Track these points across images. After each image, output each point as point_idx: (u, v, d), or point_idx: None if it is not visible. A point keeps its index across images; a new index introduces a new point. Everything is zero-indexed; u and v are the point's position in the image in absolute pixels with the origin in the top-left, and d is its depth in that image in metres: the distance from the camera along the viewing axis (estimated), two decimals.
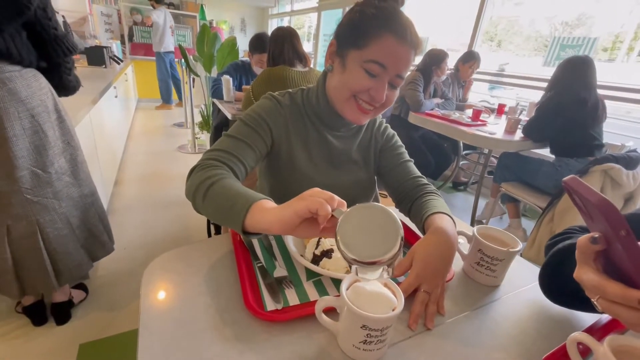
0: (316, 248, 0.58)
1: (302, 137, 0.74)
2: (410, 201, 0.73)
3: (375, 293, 0.43)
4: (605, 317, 0.48)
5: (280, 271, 0.56)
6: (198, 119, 3.49)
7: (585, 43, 2.35)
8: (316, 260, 0.57)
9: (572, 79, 1.76)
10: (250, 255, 0.60)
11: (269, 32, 2.13)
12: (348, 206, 0.71)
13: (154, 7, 4.36)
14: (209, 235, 1.61)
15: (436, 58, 2.44)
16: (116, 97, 2.77)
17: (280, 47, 1.55)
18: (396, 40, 0.59)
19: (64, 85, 1.15)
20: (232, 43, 2.89)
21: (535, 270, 0.67)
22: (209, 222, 1.65)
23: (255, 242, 0.64)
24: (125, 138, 3.37)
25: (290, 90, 0.77)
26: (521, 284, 0.62)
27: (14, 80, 0.93)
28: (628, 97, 2.15)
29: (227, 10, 7.30)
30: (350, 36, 0.63)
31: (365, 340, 0.41)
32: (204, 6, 6.05)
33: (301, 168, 0.74)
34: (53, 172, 1.07)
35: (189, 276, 0.55)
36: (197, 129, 3.40)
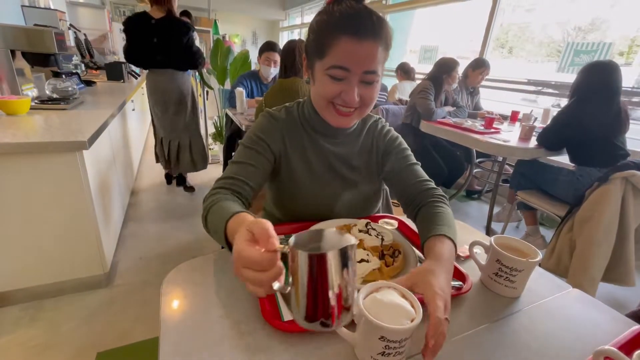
0: None
1: (300, 148, 0.75)
2: (416, 208, 0.71)
3: (393, 304, 0.42)
4: (632, 331, 0.47)
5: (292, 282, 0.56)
6: (211, 130, 3.56)
7: (601, 48, 2.30)
8: None
9: (596, 85, 1.68)
10: None
11: (280, 44, 2.22)
12: (352, 215, 0.71)
13: None
14: (222, 246, 1.63)
15: (447, 67, 2.44)
16: (133, 110, 2.86)
17: (292, 58, 1.59)
18: (352, 39, 0.58)
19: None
20: (244, 56, 2.97)
21: (556, 280, 0.65)
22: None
23: None
24: (142, 149, 3.46)
25: (287, 104, 0.79)
26: (542, 295, 0.60)
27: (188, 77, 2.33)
28: None
29: (239, 24, 7.51)
30: (313, 47, 0.64)
31: (384, 352, 0.41)
32: (217, 21, 6.25)
33: (300, 178, 0.75)
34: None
35: (206, 286, 0.56)
36: (210, 140, 3.47)
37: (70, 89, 1.85)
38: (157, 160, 2.61)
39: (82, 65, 2.69)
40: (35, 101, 1.71)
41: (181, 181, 2.69)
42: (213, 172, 3.17)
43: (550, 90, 2.67)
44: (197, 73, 3.71)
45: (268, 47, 2.22)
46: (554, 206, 1.78)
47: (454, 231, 0.60)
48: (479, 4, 3.27)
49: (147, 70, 2.26)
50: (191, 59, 2.19)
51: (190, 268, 0.61)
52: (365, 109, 0.67)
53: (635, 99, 2.18)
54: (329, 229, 0.37)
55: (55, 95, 1.80)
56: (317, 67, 0.64)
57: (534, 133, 2.03)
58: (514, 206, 2.04)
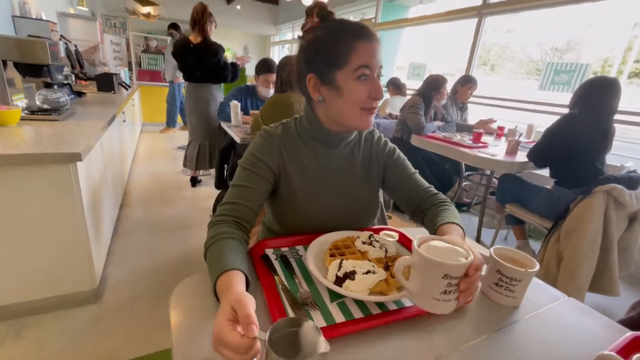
0: (338, 270, 0.59)
1: (298, 163, 0.77)
2: (424, 211, 0.79)
3: (447, 248, 0.50)
4: (627, 337, 0.49)
5: (303, 293, 0.57)
6: None
7: (579, 68, 2.44)
8: (339, 281, 0.58)
9: (595, 100, 1.67)
10: (273, 277, 0.61)
11: (270, 57, 2.26)
12: (352, 226, 0.73)
13: (173, 37, 4.53)
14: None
15: (435, 83, 2.53)
16: (124, 121, 2.84)
17: (287, 74, 1.62)
18: (365, 41, 0.66)
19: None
20: (240, 71, 3.00)
21: (551, 290, 0.68)
22: None
23: (277, 264, 0.66)
24: (131, 161, 3.41)
25: (284, 120, 0.81)
26: (539, 305, 0.63)
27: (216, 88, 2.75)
28: (623, 119, 2.22)
29: (231, 38, 7.60)
30: (327, 63, 0.67)
31: (445, 290, 0.48)
32: None
33: (300, 192, 0.76)
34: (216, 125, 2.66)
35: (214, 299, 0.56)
36: None
37: (61, 99, 1.83)
38: (185, 165, 2.95)
39: (73, 76, 2.66)
40: (26, 112, 1.68)
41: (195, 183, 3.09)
42: (203, 185, 3.15)
43: (535, 107, 2.80)
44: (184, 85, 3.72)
45: (266, 69, 2.23)
46: (541, 218, 1.84)
47: (461, 222, 0.68)
48: (464, 24, 3.43)
49: (188, 83, 2.75)
50: (221, 74, 2.69)
51: (199, 280, 0.60)
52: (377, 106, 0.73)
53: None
54: (308, 322, 0.38)
55: (45, 106, 1.77)
56: (340, 78, 0.67)
57: (520, 148, 2.12)
58: (503, 217, 2.10)
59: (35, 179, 1.21)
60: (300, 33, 0.74)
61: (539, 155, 1.85)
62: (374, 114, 0.72)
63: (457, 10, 3.45)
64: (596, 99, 1.67)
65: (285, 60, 1.67)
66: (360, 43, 0.65)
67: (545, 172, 1.88)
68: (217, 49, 2.57)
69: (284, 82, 1.63)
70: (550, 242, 1.66)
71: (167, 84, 4.84)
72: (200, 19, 2.45)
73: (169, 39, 5.00)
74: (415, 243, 0.51)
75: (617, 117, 1.73)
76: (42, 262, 1.32)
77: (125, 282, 1.66)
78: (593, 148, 1.69)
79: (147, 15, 5.22)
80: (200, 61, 2.56)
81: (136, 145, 4.10)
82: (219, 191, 2.31)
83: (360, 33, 0.66)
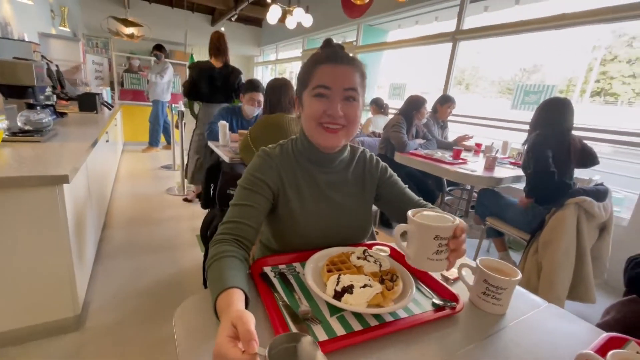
0: (337, 285, 0.62)
1: (295, 182, 0.80)
2: None
3: (437, 215, 0.61)
4: (603, 338, 0.54)
5: (304, 308, 0.59)
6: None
7: (546, 89, 2.64)
8: (337, 296, 0.60)
9: (550, 121, 1.80)
10: (273, 293, 0.63)
11: (254, 77, 2.34)
12: (347, 242, 0.78)
13: (158, 61, 4.55)
14: (205, 286, 1.59)
15: (416, 103, 2.66)
16: (107, 141, 2.79)
17: (277, 96, 1.67)
18: (330, 64, 0.72)
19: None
20: None
21: (533, 297, 0.73)
22: (204, 271, 1.64)
23: (276, 280, 0.67)
24: (113, 181, 3.33)
25: (282, 141, 0.85)
26: (525, 311, 0.67)
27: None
28: (588, 136, 2.40)
29: None
30: (300, 84, 0.79)
31: (437, 250, 0.57)
32: (193, 55, 6.36)
33: (297, 211, 0.79)
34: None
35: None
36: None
37: (44, 120, 1.80)
38: (192, 182, 2.99)
39: (54, 96, 2.62)
40: (7, 133, 1.64)
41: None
42: (188, 205, 3.10)
43: (509, 125, 2.98)
44: (172, 105, 3.73)
45: (252, 88, 2.29)
46: (519, 231, 1.93)
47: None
48: (440, 47, 3.64)
49: (204, 103, 2.84)
50: (236, 94, 2.85)
51: (201, 299, 0.61)
52: (350, 128, 0.76)
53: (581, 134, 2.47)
54: (306, 337, 0.40)
55: (27, 127, 1.73)
56: (304, 96, 0.76)
57: (497, 163, 2.24)
58: (484, 230, 2.18)
59: (19, 202, 1.17)
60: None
61: (538, 185, 1.82)
62: (337, 134, 0.75)
63: (433, 35, 3.67)
64: (552, 118, 1.82)
65: (274, 83, 1.72)
66: (322, 66, 0.73)
67: (522, 186, 1.98)
68: (238, 73, 2.85)
69: (273, 105, 1.68)
70: (530, 253, 1.74)
71: (150, 103, 4.82)
72: (222, 46, 2.75)
73: (152, 59, 5.03)
74: (409, 213, 0.61)
75: (584, 134, 1.86)
76: (23, 289, 1.26)
77: (109, 306, 1.60)
78: (558, 165, 1.77)
79: (131, 36, 5.24)
80: (225, 83, 2.78)
81: (118, 165, 4.02)
82: (206, 210, 2.29)
83: (325, 58, 0.73)
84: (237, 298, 0.52)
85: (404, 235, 0.63)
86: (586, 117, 2.57)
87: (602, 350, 0.50)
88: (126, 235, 2.38)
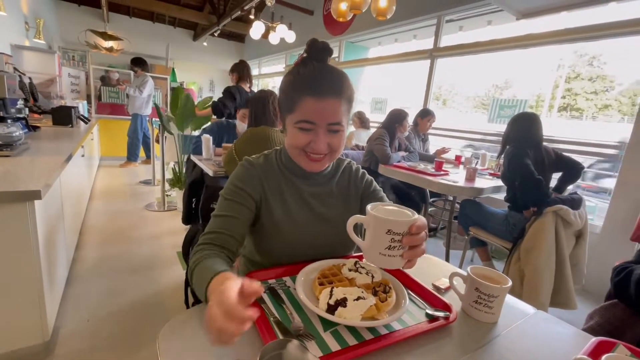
0: (330, 298, 0.60)
1: (278, 192, 0.79)
2: None
3: (395, 210, 0.58)
4: (594, 342, 0.55)
5: (296, 324, 0.57)
6: (168, 176, 3.43)
7: (519, 103, 2.78)
8: (331, 309, 0.59)
9: (520, 134, 1.91)
10: (264, 310, 0.60)
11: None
12: (332, 255, 0.78)
13: (137, 74, 4.49)
14: (187, 306, 1.52)
15: (398, 117, 2.72)
16: (82, 156, 2.68)
17: (262, 108, 1.67)
18: (314, 98, 0.67)
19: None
20: (207, 103, 3.03)
21: (521, 304, 0.74)
22: (186, 290, 1.58)
23: (265, 296, 0.65)
24: (88, 198, 3.19)
25: (266, 151, 0.84)
26: (514, 319, 0.67)
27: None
28: (558, 147, 2.52)
29: (196, 72, 7.65)
30: (284, 102, 0.73)
31: (390, 246, 0.53)
32: (174, 69, 6.31)
33: (280, 221, 0.77)
34: None
35: (207, 337, 0.54)
36: (167, 186, 3.32)
37: (15, 134, 1.70)
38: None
39: (27, 109, 2.51)
40: None
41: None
42: (168, 221, 3.00)
43: (488, 138, 3.10)
44: (153, 119, 3.65)
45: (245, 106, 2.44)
46: (501, 240, 1.97)
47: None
48: (418, 64, 3.78)
49: (230, 121, 2.78)
50: None
51: (185, 319, 0.58)
52: (334, 154, 0.75)
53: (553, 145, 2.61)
54: (293, 342, 0.41)
55: None
56: (288, 121, 0.73)
57: (477, 174, 2.30)
58: (468, 239, 2.22)
59: None
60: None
61: (528, 196, 1.83)
62: (321, 162, 0.73)
63: (412, 52, 3.82)
64: (523, 131, 1.93)
65: (259, 94, 1.72)
66: (306, 98, 0.67)
67: (502, 196, 2.04)
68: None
69: (259, 116, 1.67)
70: (512, 261, 1.78)
71: (129, 117, 4.71)
72: (248, 72, 3.05)
73: (132, 73, 4.95)
74: (369, 206, 0.58)
75: (554, 145, 1.96)
76: None
77: (82, 331, 1.49)
78: (538, 174, 1.81)
79: (110, 50, 5.14)
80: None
81: (94, 180, 3.86)
82: (187, 227, 2.22)
83: (311, 89, 0.67)
84: (231, 276, 0.49)
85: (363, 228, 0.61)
86: (555, 130, 2.72)
87: (594, 354, 0.51)
88: (101, 254, 2.26)
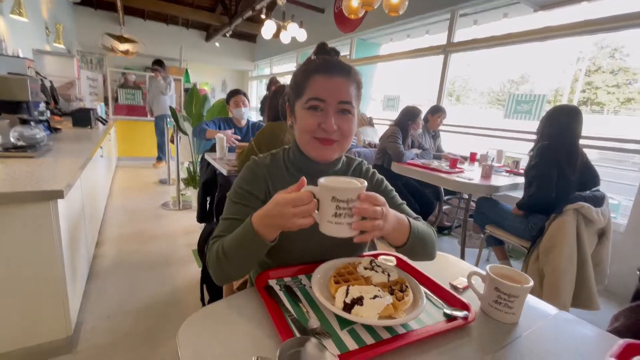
0: (346, 296, 0.60)
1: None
2: None
3: (345, 180, 0.59)
4: (622, 344, 0.53)
5: (313, 322, 0.57)
6: (183, 175, 3.49)
7: (537, 99, 2.70)
8: (347, 308, 0.58)
9: (557, 129, 1.78)
10: (281, 308, 0.61)
11: (249, 92, 2.43)
12: (343, 254, 0.78)
13: (158, 75, 4.60)
14: (203, 303, 1.54)
15: (411, 114, 2.69)
16: (101, 156, 2.76)
17: (283, 102, 1.66)
18: (324, 76, 0.69)
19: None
20: (222, 104, 3.06)
21: (543, 305, 0.72)
22: (202, 288, 1.59)
23: (282, 294, 0.65)
24: (106, 197, 3.28)
25: (274, 150, 0.84)
26: (536, 320, 0.65)
27: None
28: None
29: (209, 73, 7.76)
30: (293, 93, 0.74)
31: (336, 213, 0.54)
32: (188, 70, 6.41)
33: None
34: None
35: (225, 334, 0.55)
36: (182, 185, 3.38)
37: (38, 136, 1.77)
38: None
39: (48, 112, 2.60)
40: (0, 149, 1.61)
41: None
42: (184, 220, 3.06)
43: (503, 134, 3.03)
44: (169, 119, 3.72)
45: (234, 92, 2.45)
46: (519, 238, 1.92)
47: (418, 227, 0.70)
48: (431, 59, 3.72)
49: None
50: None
51: (204, 316, 0.59)
52: (344, 141, 0.74)
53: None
54: (311, 340, 0.42)
55: (20, 143, 1.71)
56: (297, 107, 0.73)
57: (493, 172, 2.25)
58: (484, 238, 2.17)
59: (12, 219, 1.14)
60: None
61: (537, 203, 1.79)
62: (332, 147, 0.72)
63: (425, 48, 3.76)
64: (559, 127, 1.79)
65: (279, 89, 1.72)
66: (316, 77, 0.69)
67: (521, 194, 1.98)
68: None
69: (281, 111, 1.66)
70: (531, 260, 1.73)
71: (145, 118, 4.81)
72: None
73: (148, 74, 5.05)
74: (321, 179, 0.58)
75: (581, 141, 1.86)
76: (12, 309, 1.21)
77: (103, 327, 1.54)
78: (560, 184, 1.74)
79: (125, 52, 5.26)
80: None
81: (112, 180, 3.96)
82: (203, 225, 2.25)
83: (321, 68, 0.70)
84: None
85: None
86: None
87: (622, 357, 0.49)
88: (120, 252, 2.32)
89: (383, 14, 2.54)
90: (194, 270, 2.14)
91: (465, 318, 0.61)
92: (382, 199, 0.58)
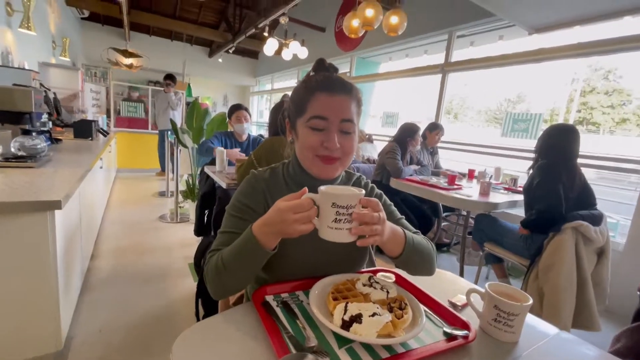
0: (344, 313, 0.59)
1: None
2: None
3: (346, 188, 0.61)
4: None
5: (310, 341, 0.56)
6: (181, 188, 3.49)
7: (533, 118, 2.74)
8: (346, 325, 0.57)
9: (556, 148, 1.78)
10: (278, 325, 0.60)
11: (250, 107, 2.46)
12: (342, 270, 0.78)
13: (170, 89, 4.69)
14: (198, 318, 1.50)
15: (410, 131, 2.72)
16: (101, 167, 2.77)
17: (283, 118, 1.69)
18: (326, 93, 0.69)
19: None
20: (222, 117, 3.10)
21: (543, 324, 0.71)
22: (197, 302, 1.56)
23: (279, 310, 0.64)
24: (104, 208, 3.26)
25: (274, 165, 0.84)
26: (536, 339, 0.65)
27: None
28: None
29: (211, 88, 7.88)
30: (294, 110, 0.75)
31: (335, 219, 0.56)
32: (190, 85, 6.52)
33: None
34: None
35: (221, 350, 0.54)
36: (180, 198, 3.38)
37: (39, 146, 1.78)
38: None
39: (50, 123, 2.62)
40: (0, 159, 1.62)
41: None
42: (181, 232, 3.04)
43: (500, 152, 3.06)
44: (169, 132, 3.75)
45: (236, 107, 2.48)
46: (519, 256, 1.91)
47: (413, 239, 0.71)
48: (429, 78, 3.80)
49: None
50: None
51: (200, 330, 0.58)
52: (346, 159, 0.75)
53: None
54: (308, 356, 0.43)
55: (21, 153, 1.71)
56: (299, 124, 0.73)
57: (491, 189, 2.26)
58: (482, 255, 2.16)
59: (7, 228, 1.13)
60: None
61: (548, 219, 1.72)
62: (334, 165, 0.73)
63: (423, 67, 3.85)
64: (558, 145, 1.78)
65: (280, 104, 1.75)
66: (318, 94, 0.70)
67: (519, 211, 1.98)
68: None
69: (280, 126, 1.68)
70: (530, 279, 1.72)
71: (146, 130, 4.86)
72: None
73: (150, 88, 5.13)
74: (321, 187, 0.59)
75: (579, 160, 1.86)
76: (3, 321, 1.18)
77: (94, 342, 1.50)
78: (564, 190, 1.72)
79: (130, 66, 5.36)
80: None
81: (110, 191, 3.95)
82: (200, 238, 2.23)
83: (322, 85, 0.70)
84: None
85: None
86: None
87: None
88: (115, 265, 2.29)
89: (382, 34, 2.61)
90: (190, 284, 2.11)
91: (465, 337, 0.60)
92: (380, 205, 0.60)
